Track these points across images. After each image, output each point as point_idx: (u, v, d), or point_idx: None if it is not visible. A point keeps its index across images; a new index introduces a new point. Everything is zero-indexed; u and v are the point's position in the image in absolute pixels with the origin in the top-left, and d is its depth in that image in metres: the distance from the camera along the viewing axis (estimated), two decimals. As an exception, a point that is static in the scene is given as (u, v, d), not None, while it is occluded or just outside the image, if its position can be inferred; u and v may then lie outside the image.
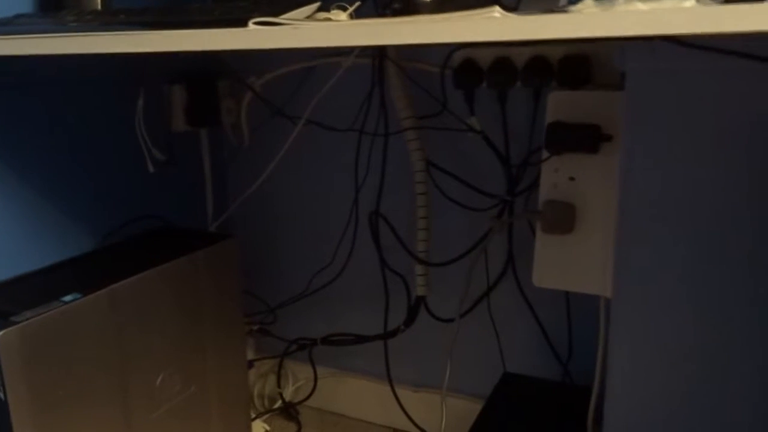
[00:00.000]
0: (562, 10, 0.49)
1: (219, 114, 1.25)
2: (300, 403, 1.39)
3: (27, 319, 0.78)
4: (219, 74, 1.26)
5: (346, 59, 1.12)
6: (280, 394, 1.38)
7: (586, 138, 0.88)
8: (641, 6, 0.46)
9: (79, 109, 1.05)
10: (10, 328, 0.76)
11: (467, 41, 0.47)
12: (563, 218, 0.91)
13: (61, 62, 1.01)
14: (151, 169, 1.13)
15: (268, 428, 1.32)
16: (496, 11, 0.48)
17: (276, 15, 0.56)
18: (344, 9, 0.60)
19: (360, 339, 1.28)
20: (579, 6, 0.49)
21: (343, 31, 0.51)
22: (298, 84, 1.22)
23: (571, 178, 0.91)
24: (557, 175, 0.92)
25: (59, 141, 1.03)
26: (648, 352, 0.77)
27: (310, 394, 1.37)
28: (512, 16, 0.48)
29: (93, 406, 0.88)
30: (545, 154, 0.92)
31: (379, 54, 1.11)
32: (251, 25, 0.55)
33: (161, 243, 1.09)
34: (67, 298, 0.84)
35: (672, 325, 0.75)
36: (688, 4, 0.45)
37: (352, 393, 1.35)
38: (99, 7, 0.97)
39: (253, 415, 1.32)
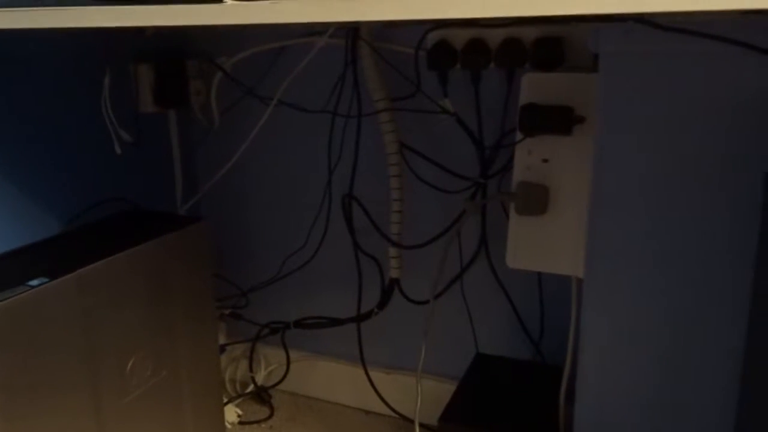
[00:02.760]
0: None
1: (188, 95, 1.23)
2: (272, 387, 1.38)
3: (-8, 304, 0.76)
4: (188, 54, 1.23)
5: (319, 39, 1.11)
6: (253, 379, 1.38)
7: (559, 120, 0.89)
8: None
9: (43, 88, 1.02)
10: (-25, 313, 0.74)
11: (449, 17, 0.47)
12: (536, 200, 0.92)
13: (23, 40, 0.98)
14: (118, 150, 1.10)
15: (240, 413, 1.32)
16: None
17: (253, -10, 0.55)
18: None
19: (333, 322, 1.27)
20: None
21: (322, 6, 0.50)
22: (270, 64, 1.20)
23: (545, 160, 0.92)
24: (530, 157, 0.92)
25: (22, 121, 0.99)
26: (619, 331, 0.78)
27: (283, 378, 1.36)
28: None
29: (61, 393, 0.86)
30: (519, 135, 0.92)
31: (352, 34, 1.10)
32: (228, 0, 0.54)
33: (130, 226, 1.07)
34: (34, 282, 0.82)
35: (643, 304, 0.76)
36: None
37: (325, 376, 1.35)
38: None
39: (225, 400, 1.31)
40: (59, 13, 0.61)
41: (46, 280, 0.83)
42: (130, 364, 0.97)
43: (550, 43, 0.96)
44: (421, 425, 1.04)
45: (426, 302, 1.18)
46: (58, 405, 0.85)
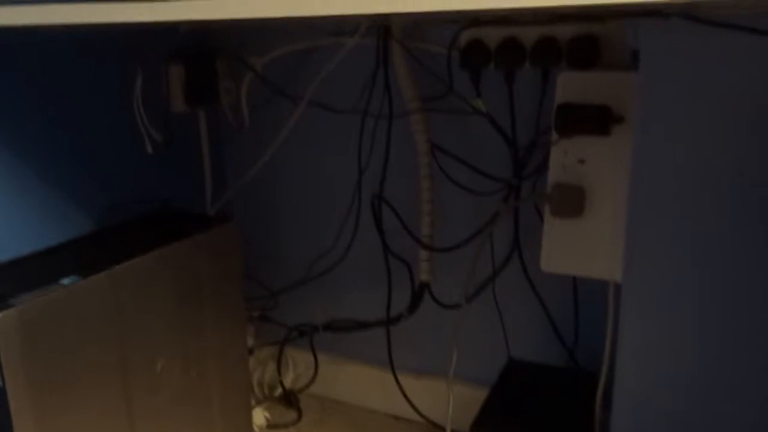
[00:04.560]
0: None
1: (218, 94, 1.23)
2: (301, 390, 1.37)
3: (25, 303, 0.76)
4: (218, 53, 1.23)
5: (350, 39, 1.10)
6: (281, 382, 1.37)
7: (596, 120, 0.86)
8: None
9: (76, 88, 1.03)
10: (8, 311, 0.74)
11: (476, 8, 0.45)
12: (572, 202, 0.90)
13: (56, 40, 0.98)
14: (149, 149, 1.10)
15: (268, 416, 1.31)
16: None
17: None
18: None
19: (362, 325, 1.26)
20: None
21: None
22: (300, 64, 1.19)
23: (581, 161, 0.89)
24: (566, 158, 0.90)
25: (56, 121, 1.00)
26: (658, 337, 0.75)
27: (311, 382, 1.35)
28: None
29: (92, 391, 0.86)
30: (555, 136, 0.90)
31: (384, 34, 1.09)
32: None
33: (161, 226, 1.07)
34: (66, 280, 0.82)
35: (683, 309, 0.73)
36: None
37: (353, 380, 1.34)
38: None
39: (253, 403, 1.30)
40: (67, 9, 0.61)
41: (78, 278, 0.83)
42: (160, 364, 0.96)
43: (585, 41, 0.93)
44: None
45: (456, 306, 1.16)
46: (90, 401, 0.85)
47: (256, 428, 1.26)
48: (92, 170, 1.06)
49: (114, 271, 0.87)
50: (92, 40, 1.04)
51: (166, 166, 1.19)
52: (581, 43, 0.94)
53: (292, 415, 1.33)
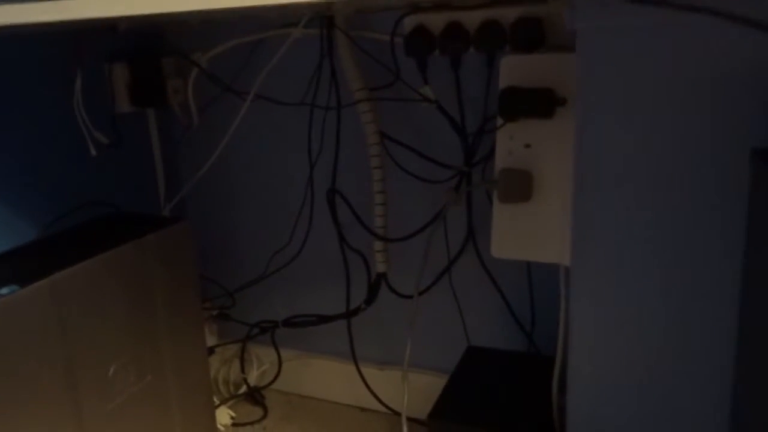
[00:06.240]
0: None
1: (165, 93, 1.20)
2: (265, 387, 1.36)
3: (-43, 315, 0.74)
4: (163, 51, 1.20)
5: (294, 30, 1.08)
6: (245, 379, 1.36)
7: (540, 102, 0.86)
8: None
9: (11, 91, 1.00)
10: (-63, 326, 0.72)
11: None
12: (520, 186, 0.89)
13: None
14: (93, 152, 1.08)
15: (233, 414, 1.30)
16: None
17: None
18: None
19: (322, 319, 1.25)
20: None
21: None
22: (246, 58, 1.17)
23: (527, 145, 0.89)
24: (512, 143, 0.90)
25: (-9, 126, 0.97)
26: (610, 320, 0.75)
27: (276, 378, 1.34)
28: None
29: (39, 402, 0.84)
30: (500, 121, 0.89)
31: (327, 23, 1.07)
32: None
33: (109, 229, 1.05)
34: (4, 290, 0.80)
35: (633, 291, 0.73)
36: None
37: (317, 374, 1.33)
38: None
39: (218, 402, 1.29)
40: (8, 8, 0.59)
41: (16, 287, 0.81)
42: (111, 370, 0.95)
43: (529, 23, 0.93)
44: (415, 421, 1.01)
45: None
46: (37, 415, 0.83)
47: (221, 427, 1.25)
48: (32, 176, 1.04)
49: (56, 278, 0.85)
50: (26, 42, 1.01)
51: (114, 168, 1.17)
52: (525, 26, 0.93)
53: (258, 412, 1.32)
